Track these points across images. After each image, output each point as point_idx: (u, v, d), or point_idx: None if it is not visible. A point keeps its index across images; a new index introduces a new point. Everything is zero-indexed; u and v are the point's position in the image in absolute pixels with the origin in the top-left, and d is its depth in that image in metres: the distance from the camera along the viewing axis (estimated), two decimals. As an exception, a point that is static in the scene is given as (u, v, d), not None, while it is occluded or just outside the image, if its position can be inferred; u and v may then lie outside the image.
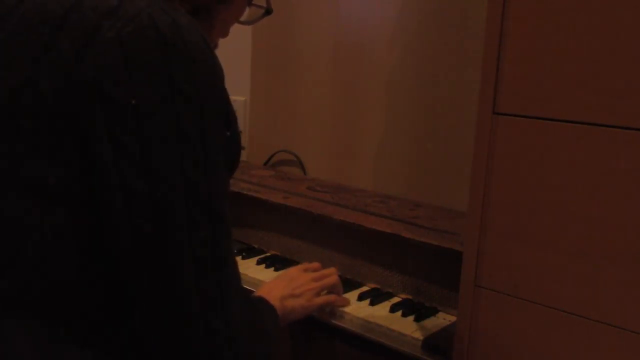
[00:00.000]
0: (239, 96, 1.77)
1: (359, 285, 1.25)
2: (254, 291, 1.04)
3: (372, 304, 1.16)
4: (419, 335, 1.05)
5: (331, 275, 1.11)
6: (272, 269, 1.30)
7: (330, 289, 1.11)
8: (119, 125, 0.60)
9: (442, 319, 1.13)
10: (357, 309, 1.14)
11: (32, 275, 0.63)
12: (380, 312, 1.13)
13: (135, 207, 0.61)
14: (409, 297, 1.20)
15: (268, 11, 0.91)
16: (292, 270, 1.11)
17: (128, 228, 0.62)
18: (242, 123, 1.76)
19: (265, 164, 1.74)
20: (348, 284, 1.21)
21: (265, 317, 0.83)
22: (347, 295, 1.17)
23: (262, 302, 0.88)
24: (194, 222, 0.63)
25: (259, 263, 1.34)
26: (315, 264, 1.16)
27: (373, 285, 1.25)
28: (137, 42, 0.60)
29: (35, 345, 0.64)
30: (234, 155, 0.73)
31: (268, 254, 1.39)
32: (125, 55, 0.60)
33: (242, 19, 0.87)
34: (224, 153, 0.67)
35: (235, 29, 0.89)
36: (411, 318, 1.11)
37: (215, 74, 0.65)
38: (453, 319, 1.10)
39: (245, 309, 0.70)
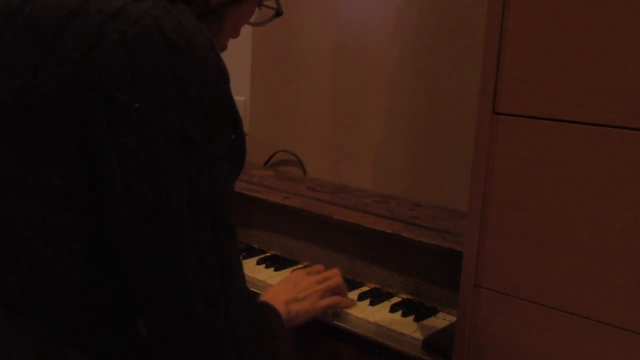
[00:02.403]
0: (239, 96, 1.77)
1: (359, 285, 1.25)
2: (258, 293, 1.04)
3: (372, 304, 1.16)
4: (419, 335, 1.05)
5: (335, 277, 1.11)
6: (272, 269, 1.30)
7: (335, 291, 1.11)
8: (122, 128, 0.60)
9: (442, 319, 1.13)
10: (357, 309, 1.14)
11: (34, 277, 0.63)
12: (380, 312, 1.13)
13: (138, 210, 0.61)
14: (409, 297, 1.20)
15: (278, 13, 0.90)
16: (296, 274, 1.11)
17: (131, 231, 0.62)
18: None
19: (265, 164, 1.74)
20: (348, 284, 1.21)
21: (271, 319, 0.82)
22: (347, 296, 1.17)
23: (267, 306, 0.88)
24: (198, 226, 0.63)
25: (259, 263, 1.34)
26: (318, 267, 1.16)
27: (373, 285, 1.25)
28: (142, 45, 0.60)
29: (37, 346, 0.64)
30: (239, 158, 0.72)
31: (268, 254, 1.39)
32: (129, 58, 0.60)
33: (252, 20, 0.87)
34: (228, 156, 0.66)
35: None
36: (411, 318, 1.11)
37: (220, 76, 0.65)
38: (453, 319, 1.10)
39: (250, 311, 0.70)
